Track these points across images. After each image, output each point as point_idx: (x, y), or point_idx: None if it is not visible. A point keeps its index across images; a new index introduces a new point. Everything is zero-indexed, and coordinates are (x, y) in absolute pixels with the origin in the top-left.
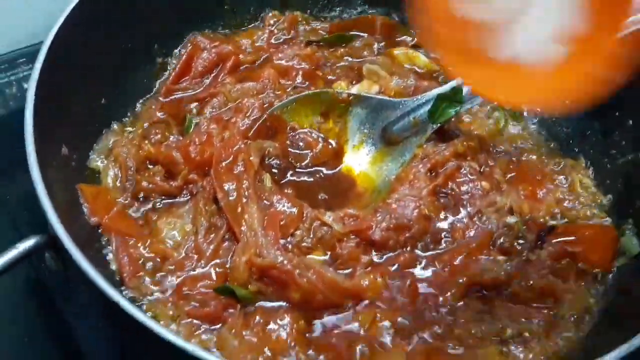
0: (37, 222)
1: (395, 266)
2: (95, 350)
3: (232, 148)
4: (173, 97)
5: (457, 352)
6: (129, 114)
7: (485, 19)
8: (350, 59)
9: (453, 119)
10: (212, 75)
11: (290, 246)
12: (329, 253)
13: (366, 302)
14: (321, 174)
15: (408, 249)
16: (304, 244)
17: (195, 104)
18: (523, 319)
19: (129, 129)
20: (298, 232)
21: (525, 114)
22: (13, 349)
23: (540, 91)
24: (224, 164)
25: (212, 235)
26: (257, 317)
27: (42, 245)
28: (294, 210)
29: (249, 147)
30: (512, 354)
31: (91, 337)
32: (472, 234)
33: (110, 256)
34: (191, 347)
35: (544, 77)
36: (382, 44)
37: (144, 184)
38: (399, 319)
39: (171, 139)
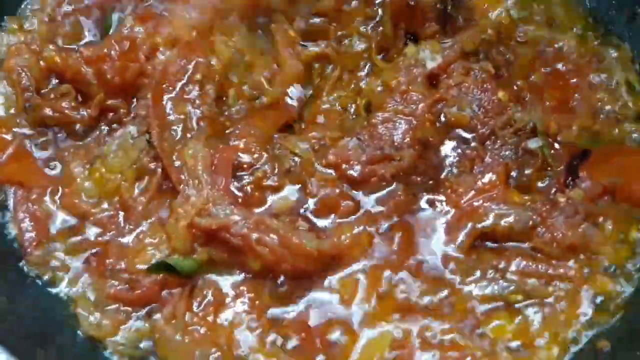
0: None
1: (382, 210)
2: None
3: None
4: None
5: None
6: (26, 4)
7: None
8: None
9: None
10: None
11: (249, 188)
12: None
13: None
14: None
15: (399, 186)
16: (267, 181)
17: None
18: (543, 280)
19: (27, 25)
20: (258, 167)
21: None
22: None
23: None
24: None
25: (143, 184)
26: (208, 295)
27: None
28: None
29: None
30: (526, 318)
31: None
32: (483, 165)
33: (9, 216)
34: None
35: None
36: None
37: (47, 110)
38: (389, 283)
39: (84, 41)
